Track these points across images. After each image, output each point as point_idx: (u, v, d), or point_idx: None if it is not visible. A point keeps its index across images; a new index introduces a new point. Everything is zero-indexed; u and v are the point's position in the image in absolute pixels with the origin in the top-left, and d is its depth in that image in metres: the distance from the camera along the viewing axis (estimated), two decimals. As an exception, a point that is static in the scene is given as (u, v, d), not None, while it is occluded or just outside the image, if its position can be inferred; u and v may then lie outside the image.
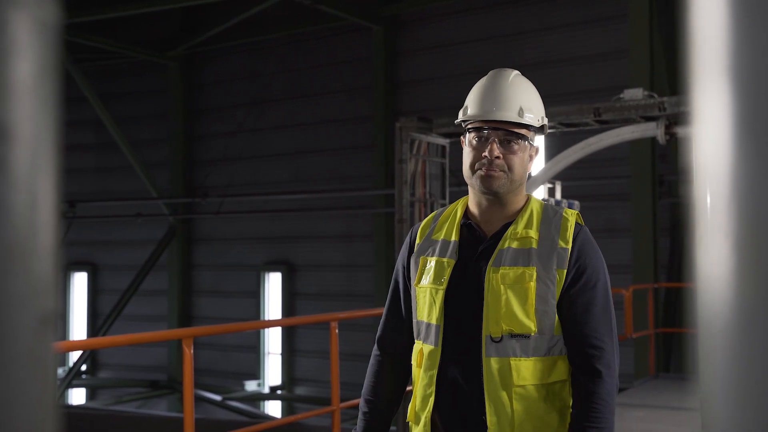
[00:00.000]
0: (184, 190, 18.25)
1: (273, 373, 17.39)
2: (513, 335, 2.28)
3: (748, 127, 0.46)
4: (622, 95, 8.91)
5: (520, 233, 2.35)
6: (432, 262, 2.42)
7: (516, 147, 2.37)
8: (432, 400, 2.37)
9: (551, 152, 10.29)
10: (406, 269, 2.54)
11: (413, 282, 2.48)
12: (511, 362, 2.27)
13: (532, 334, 2.28)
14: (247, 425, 13.62)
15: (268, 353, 17.47)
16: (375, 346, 2.63)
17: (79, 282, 20.38)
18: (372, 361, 2.63)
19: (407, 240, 2.57)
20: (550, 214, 2.40)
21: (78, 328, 20.38)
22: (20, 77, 0.57)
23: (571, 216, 2.39)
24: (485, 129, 2.36)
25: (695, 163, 0.49)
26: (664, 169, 12.60)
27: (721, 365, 0.49)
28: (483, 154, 2.35)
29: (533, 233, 2.35)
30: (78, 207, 18.39)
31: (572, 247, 2.32)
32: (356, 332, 14.93)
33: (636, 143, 11.37)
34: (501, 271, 2.31)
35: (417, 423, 2.42)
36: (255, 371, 17.42)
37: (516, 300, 2.28)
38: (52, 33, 0.60)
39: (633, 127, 8.90)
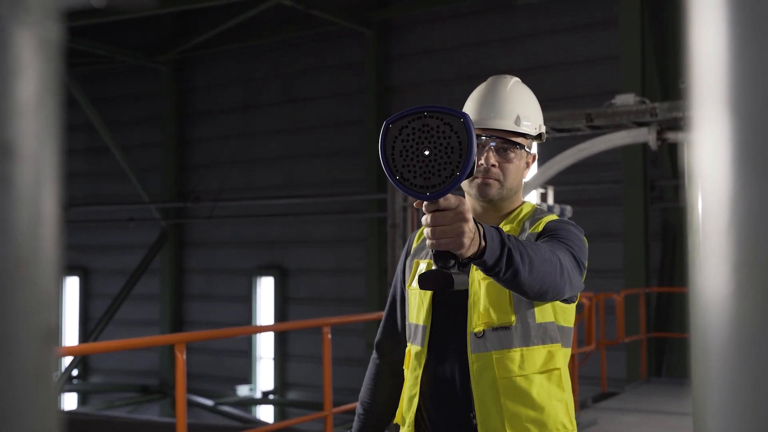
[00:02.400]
0: (176, 194, 18.22)
1: (265, 377, 17.36)
2: (494, 328, 2.28)
3: (746, 156, 0.47)
4: (613, 101, 8.94)
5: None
6: (423, 265, 2.45)
7: (512, 155, 2.39)
8: (416, 400, 2.38)
9: (543, 157, 10.31)
10: (402, 273, 2.57)
11: (406, 285, 2.51)
12: (495, 355, 2.27)
13: (512, 324, 2.27)
14: (239, 430, 13.59)
15: (260, 358, 17.44)
16: (374, 350, 2.66)
17: (71, 286, 20.32)
18: (370, 365, 2.67)
19: (406, 245, 2.60)
20: (536, 214, 2.43)
21: (69, 332, 20.31)
22: (24, 95, 0.58)
23: (553, 215, 2.42)
24: (482, 137, 2.37)
25: (695, 191, 0.50)
26: (656, 174, 12.63)
27: (720, 384, 0.50)
28: (479, 162, 2.36)
29: (513, 226, 2.38)
30: (70, 211, 18.36)
31: (541, 230, 2.33)
32: (348, 337, 14.93)
33: (627, 148, 11.41)
34: None
35: (403, 424, 2.44)
36: (247, 376, 17.39)
37: (492, 293, 2.29)
38: (54, 50, 0.61)
39: (625, 132, 8.93)
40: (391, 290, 2.64)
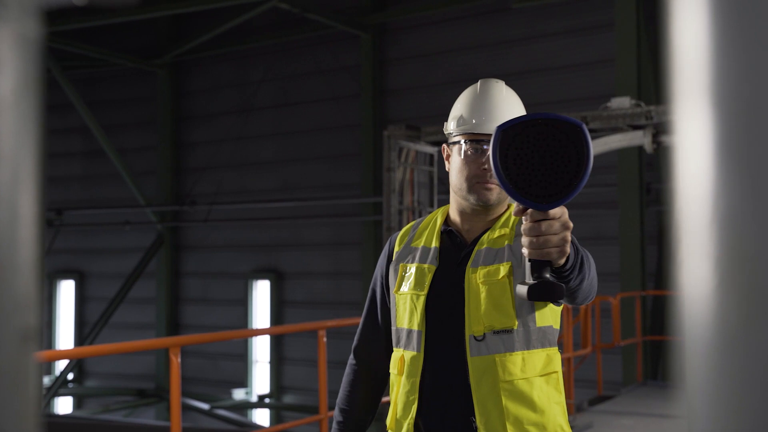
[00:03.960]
0: (172, 197, 18.21)
1: (261, 381, 17.34)
2: (495, 332, 2.28)
3: (727, 151, 0.47)
4: (609, 104, 8.95)
5: (497, 234, 2.38)
6: (412, 269, 2.43)
7: None
8: (415, 406, 2.36)
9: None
10: (385, 278, 2.55)
11: (392, 289, 2.49)
12: (497, 359, 2.27)
13: (515, 328, 2.27)
14: (234, 434, 13.52)
15: (256, 361, 17.42)
16: (351, 356, 2.64)
17: (66, 290, 20.29)
18: (347, 370, 2.63)
19: (386, 249, 2.58)
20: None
21: (65, 336, 20.28)
22: (1, 94, 0.57)
23: None
24: (482, 142, 2.37)
25: (677, 186, 0.50)
26: (651, 177, 12.64)
27: (704, 379, 0.50)
28: (483, 167, 2.36)
29: (508, 231, 2.38)
30: (65, 215, 18.33)
31: None
32: (344, 340, 14.87)
33: (623, 151, 11.41)
34: (478, 270, 2.32)
35: (398, 430, 2.41)
36: (243, 379, 17.37)
37: (494, 296, 2.29)
38: (33, 47, 0.60)
39: (620, 135, 8.94)
40: (369, 295, 2.61)
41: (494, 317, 2.28)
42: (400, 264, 2.48)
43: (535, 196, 1.74)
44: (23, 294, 0.59)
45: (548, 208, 1.75)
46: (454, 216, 2.47)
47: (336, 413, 2.61)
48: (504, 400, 2.25)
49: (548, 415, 2.28)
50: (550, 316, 2.33)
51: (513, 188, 1.75)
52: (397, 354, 2.45)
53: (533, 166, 1.74)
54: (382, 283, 2.56)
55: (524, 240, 1.79)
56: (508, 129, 1.76)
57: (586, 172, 1.73)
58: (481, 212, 2.41)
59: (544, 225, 1.76)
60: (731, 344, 0.46)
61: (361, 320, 2.64)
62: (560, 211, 1.78)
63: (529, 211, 1.78)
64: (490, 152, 1.77)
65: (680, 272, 0.50)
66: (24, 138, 0.59)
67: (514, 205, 1.80)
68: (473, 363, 2.29)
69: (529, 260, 1.81)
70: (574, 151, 1.74)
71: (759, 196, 0.44)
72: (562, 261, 1.81)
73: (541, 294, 1.79)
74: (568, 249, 1.79)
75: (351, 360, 2.63)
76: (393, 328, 2.48)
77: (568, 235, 1.78)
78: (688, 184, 0.47)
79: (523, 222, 1.80)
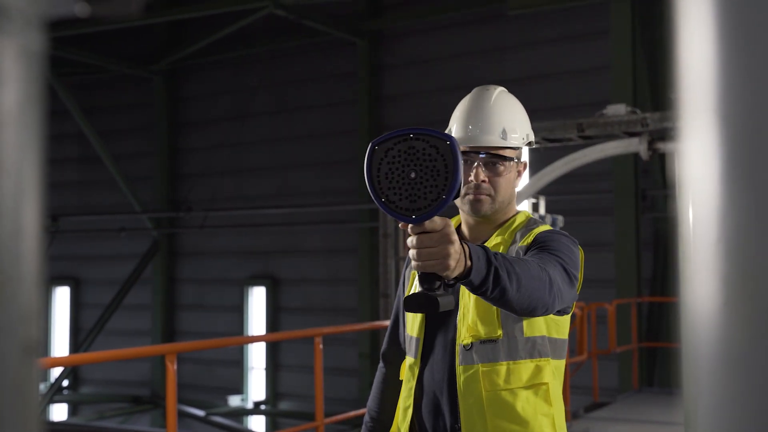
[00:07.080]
0: (168, 204, 18.18)
1: (257, 388, 17.30)
2: (482, 341, 2.28)
3: (734, 169, 0.47)
4: (605, 111, 8.97)
5: (493, 242, 2.38)
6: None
7: (501, 169, 2.38)
8: (410, 411, 2.40)
9: (535, 167, 10.31)
10: (403, 285, 2.60)
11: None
12: (481, 368, 2.27)
13: (500, 338, 2.27)
14: (230, 441, 13.48)
15: (252, 368, 17.39)
16: (380, 360, 2.70)
17: (62, 296, 20.24)
18: (377, 374, 2.70)
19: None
20: (530, 224, 2.42)
21: (60, 343, 20.22)
22: (5, 106, 0.57)
23: (546, 226, 2.41)
24: (471, 153, 2.37)
25: (684, 205, 0.50)
26: (647, 184, 12.65)
27: (708, 397, 0.50)
28: (469, 179, 2.36)
29: (504, 238, 2.37)
30: (61, 221, 18.28)
31: (531, 241, 2.33)
32: (340, 347, 14.89)
33: (619, 158, 11.43)
34: None
35: None
36: (239, 386, 17.33)
37: (480, 306, 2.29)
38: (37, 60, 0.60)
39: (616, 142, 8.95)
40: (396, 300, 2.66)
41: (480, 327, 2.29)
42: (413, 271, 2.51)
43: (404, 209, 1.76)
44: (26, 306, 0.59)
45: (416, 222, 1.76)
46: (463, 226, 2.48)
47: (365, 415, 2.68)
48: (487, 411, 2.25)
49: (532, 427, 2.26)
50: (545, 326, 2.31)
51: (384, 202, 1.77)
52: (406, 360, 2.50)
53: (403, 180, 1.76)
54: (402, 290, 2.60)
55: (409, 253, 1.80)
56: (380, 144, 1.78)
57: (454, 186, 1.74)
58: (483, 221, 2.42)
59: (422, 238, 1.77)
60: (737, 362, 0.46)
61: (389, 325, 2.69)
62: (441, 224, 1.77)
63: (409, 225, 1.78)
64: (365, 167, 1.78)
65: (686, 290, 0.50)
66: (27, 151, 0.59)
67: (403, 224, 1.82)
68: (460, 372, 2.30)
69: (418, 273, 1.82)
70: (444, 164, 1.75)
71: (766, 214, 0.44)
72: (450, 273, 1.79)
73: (412, 306, 1.82)
74: (452, 262, 1.77)
75: (380, 364, 2.69)
76: (405, 335, 2.54)
77: (449, 248, 1.76)
78: (695, 202, 0.47)
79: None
